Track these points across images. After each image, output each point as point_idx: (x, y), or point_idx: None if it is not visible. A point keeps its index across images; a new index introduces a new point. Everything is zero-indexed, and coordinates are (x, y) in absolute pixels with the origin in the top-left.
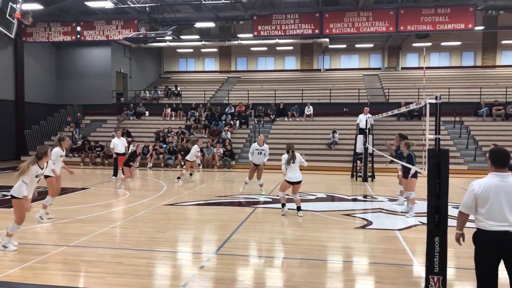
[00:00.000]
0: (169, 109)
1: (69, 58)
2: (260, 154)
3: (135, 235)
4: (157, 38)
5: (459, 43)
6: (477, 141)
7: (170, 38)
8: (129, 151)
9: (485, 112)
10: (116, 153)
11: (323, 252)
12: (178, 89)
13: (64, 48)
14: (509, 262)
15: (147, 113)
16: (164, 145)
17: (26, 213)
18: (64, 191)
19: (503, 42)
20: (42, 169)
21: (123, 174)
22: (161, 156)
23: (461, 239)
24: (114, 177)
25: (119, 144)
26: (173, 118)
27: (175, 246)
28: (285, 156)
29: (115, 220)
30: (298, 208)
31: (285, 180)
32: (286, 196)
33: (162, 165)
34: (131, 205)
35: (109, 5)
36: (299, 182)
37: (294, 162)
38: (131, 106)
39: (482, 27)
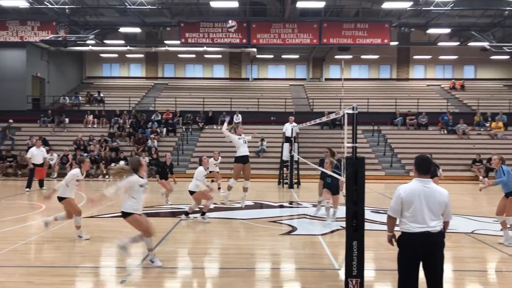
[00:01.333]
0: (91, 116)
1: None
2: (216, 166)
3: (50, 251)
4: (78, 42)
5: (376, 56)
6: (393, 149)
7: (93, 42)
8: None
9: (400, 121)
10: (34, 164)
11: (250, 260)
12: (101, 95)
13: None
14: (428, 261)
15: (67, 120)
16: (85, 154)
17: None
18: None
19: (415, 57)
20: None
21: (165, 188)
22: None
23: (393, 240)
24: (27, 189)
25: (37, 155)
26: (95, 126)
27: (95, 261)
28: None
29: (28, 235)
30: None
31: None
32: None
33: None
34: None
35: (23, 4)
36: None
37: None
38: (49, 113)
39: (396, 43)
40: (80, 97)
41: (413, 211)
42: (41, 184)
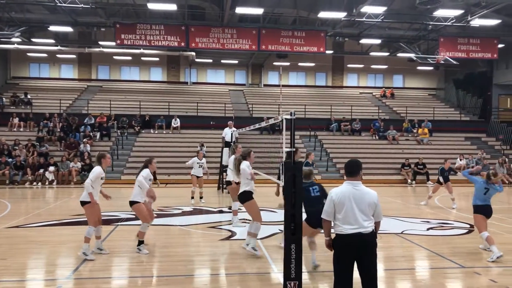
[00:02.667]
0: (17, 119)
1: None
2: (200, 167)
3: None
4: (1, 39)
5: (313, 64)
6: (328, 153)
7: (18, 40)
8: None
9: (335, 127)
10: None
11: (188, 267)
12: (29, 96)
13: None
14: (362, 261)
15: None
16: (10, 159)
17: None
18: None
19: (348, 65)
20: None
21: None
22: (6, 172)
23: (331, 244)
24: None
25: None
26: (21, 129)
27: (20, 274)
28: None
29: None
30: None
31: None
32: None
33: (7, 181)
34: None
35: None
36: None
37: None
38: None
39: (331, 51)
40: (3, 98)
41: (345, 212)
42: None
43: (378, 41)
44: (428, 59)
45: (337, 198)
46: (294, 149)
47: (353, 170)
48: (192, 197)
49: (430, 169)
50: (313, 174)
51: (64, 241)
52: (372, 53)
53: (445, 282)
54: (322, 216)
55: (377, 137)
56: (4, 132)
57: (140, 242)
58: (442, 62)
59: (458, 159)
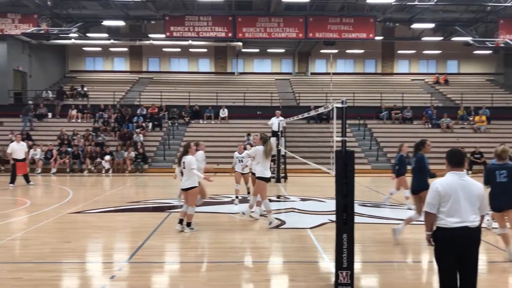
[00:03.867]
0: (75, 110)
1: None
2: (240, 161)
3: (37, 247)
4: (60, 35)
5: (362, 51)
6: (379, 143)
7: (75, 35)
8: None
9: (385, 115)
10: (14, 159)
11: (239, 254)
12: (85, 89)
13: None
14: (465, 258)
15: (49, 114)
16: (69, 149)
17: None
18: None
19: (399, 52)
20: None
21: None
22: (66, 160)
23: (431, 239)
24: (11, 184)
25: (18, 150)
26: (79, 120)
27: (83, 257)
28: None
29: (14, 231)
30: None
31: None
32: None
33: (68, 170)
34: (33, 215)
35: None
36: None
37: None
38: (31, 108)
39: (381, 37)
40: (50, 92)
41: (451, 205)
42: (27, 180)
43: (431, 25)
44: (486, 43)
45: (442, 189)
46: (422, 141)
47: (458, 160)
48: (237, 197)
49: (488, 158)
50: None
51: (121, 227)
52: (425, 38)
53: None
54: (425, 209)
55: (430, 126)
56: (63, 123)
57: (189, 224)
58: (502, 45)
59: None
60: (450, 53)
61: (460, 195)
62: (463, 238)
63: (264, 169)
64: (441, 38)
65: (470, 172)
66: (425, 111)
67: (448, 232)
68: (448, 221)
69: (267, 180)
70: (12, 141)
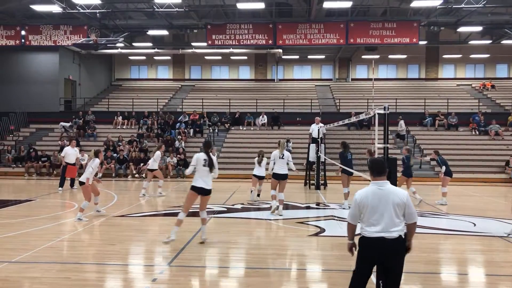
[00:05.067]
0: (120, 117)
1: (13, 63)
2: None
3: (84, 248)
4: (108, 45)
5: (405, 56)
6: (422, 150)
7: (121, 45)
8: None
9: (429, 122)
10: (67, 163)
11: (278, 261)
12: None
13: (8, 53)
14: (385, 267)
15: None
16: (115, 154)
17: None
18: (7, 203)
19: (444, 56)
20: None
21: None
22: (112, 165)
23: (353, 248)
24: (60, 188)
25: (71, 154)
26: (124, 127)
27: (126, 259)
28: (275, 153)
29: (62, 233)
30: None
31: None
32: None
33: (113, 175)
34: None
35: (56, 9)
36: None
37: (282, 158)
38: (80, 115)
39: (425, 42)
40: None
41: (369, 214)
42: (72, 184)
43: (478, 29)
44: None
45: (360, 200)
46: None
47: (379, 169)
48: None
49: None
50: None
51: (163, 231)
52: (472, 42)
53: None
54: (347, 220)
55: (477, 132)
56: (109, 129)
57: None
58: None
59: None
60: (500, 56)
61: (378, 204)
62: (379, 249)
63: (277, 167)
64: (490, 41)
65: None
66: (472, 117)
67: (367, 241)
68: (367, 230)
69: (275, 176)
70: (63, 146)
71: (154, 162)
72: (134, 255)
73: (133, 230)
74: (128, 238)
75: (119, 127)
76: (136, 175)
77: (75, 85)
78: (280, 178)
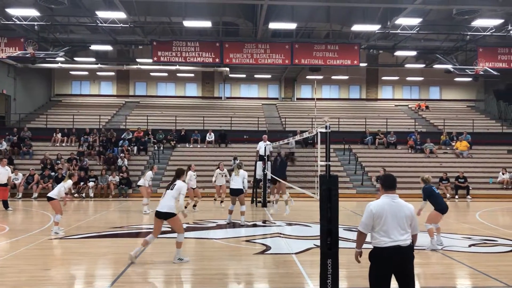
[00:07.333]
0: (60, 134)
1: None
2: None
3: (14, 275)
4: (47, 59)
5: (347, 77)
6: (363, 167)
7: (62, 59)
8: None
9: (370, 140)
10: None
11: (223, 281)
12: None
13: None
14: (400, 275)
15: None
16: (53, 173)
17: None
18: None
19: (383, 78)
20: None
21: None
22: (49, 185)
23: (359, 256)
24: None
25: (1, 173)
26: (63, 144)
27: (62, 285)
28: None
29: None
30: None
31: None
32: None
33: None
34: (11, 241)
35: None
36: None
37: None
38: (15, 131)
39: (365, 64)
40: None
41: (384, 225)
42: (5, 205)
43: (413, 53)
44: (466, 70)
45: (376, 211)
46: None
47: (390, 183)
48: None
49: (472, 183)
50: None
51: (103, 253)
52: (407, 65)
53: None
54: (359, 228)
55: (413, 151)
56: (47, 147)
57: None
58: (482, 73)
59: (501, 173)
60: (432, 79)
61: (391, 216)
62: (396, 257)
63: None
64: (423, 65)
65: (457, 196)
66: (409, 136)
67: (384, 251)
68: (382, 240)
69: (231, 192)
70: None
71: (144, 181)
72: (71, 279)
73: (70, 253)
74: (65, 262)
75: (57, 144)
76: (76, 195)
77: (9, 100)
78: (235, 193)
